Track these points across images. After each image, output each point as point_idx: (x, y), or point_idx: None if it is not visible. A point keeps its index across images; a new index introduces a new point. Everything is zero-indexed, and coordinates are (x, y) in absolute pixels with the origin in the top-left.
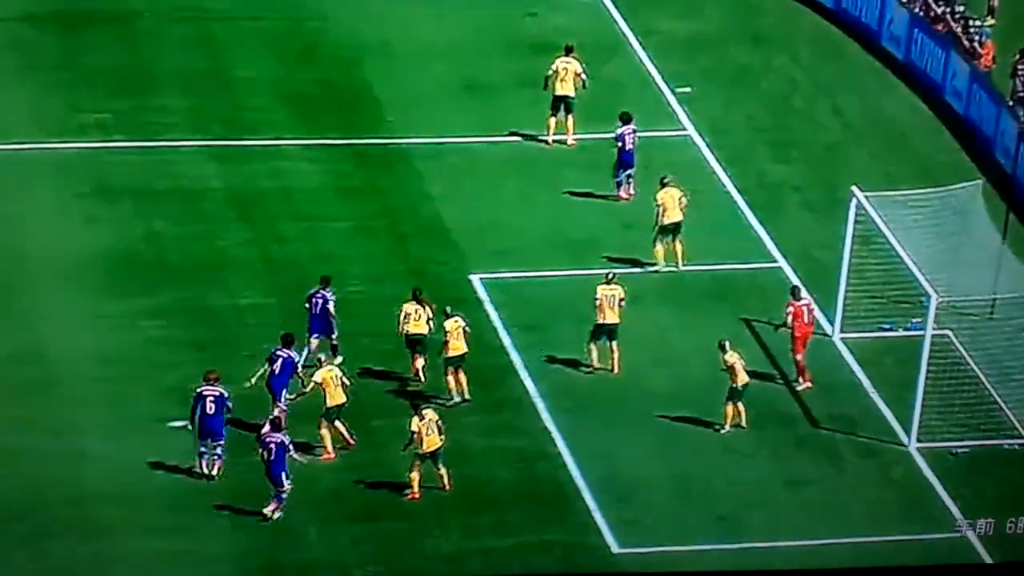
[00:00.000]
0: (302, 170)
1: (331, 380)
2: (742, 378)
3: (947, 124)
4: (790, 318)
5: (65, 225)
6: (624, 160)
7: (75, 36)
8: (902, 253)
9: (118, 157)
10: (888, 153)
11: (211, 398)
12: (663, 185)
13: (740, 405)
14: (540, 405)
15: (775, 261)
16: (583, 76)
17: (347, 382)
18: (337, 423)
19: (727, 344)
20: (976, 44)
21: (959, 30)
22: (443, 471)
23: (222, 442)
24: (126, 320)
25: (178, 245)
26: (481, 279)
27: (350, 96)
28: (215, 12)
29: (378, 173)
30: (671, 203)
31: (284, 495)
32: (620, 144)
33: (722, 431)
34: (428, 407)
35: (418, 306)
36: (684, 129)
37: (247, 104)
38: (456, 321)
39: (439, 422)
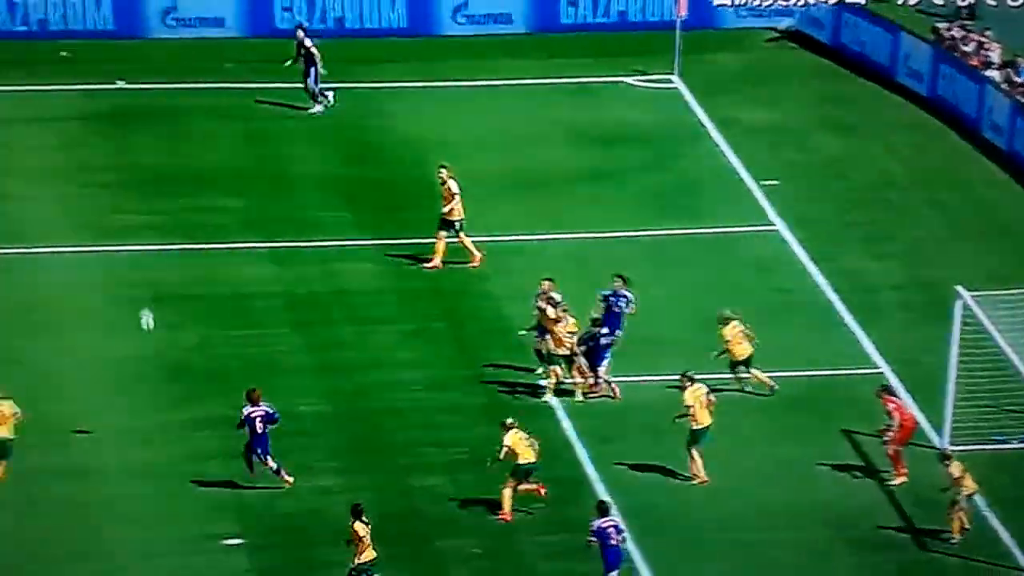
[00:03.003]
0: (361, 271)
1: (520, 441)
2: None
3: None
4: (895, 413)
5: (112, 331)
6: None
7: (125, 135)
8: (1014, 358)
9: (168, 260)
10: (993, 249)
11: (259, 418)
12: (725, 322)
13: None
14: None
15: (875, 367)
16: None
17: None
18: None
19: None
20: None
21: None
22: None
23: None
24: (175, 432)
25: (230, 351)
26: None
27: (409, 194)
28: (267, 110)
29: (438, 273)
30: (737, 338)
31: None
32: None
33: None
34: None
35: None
36: (771, 223)
37: (302, 203)
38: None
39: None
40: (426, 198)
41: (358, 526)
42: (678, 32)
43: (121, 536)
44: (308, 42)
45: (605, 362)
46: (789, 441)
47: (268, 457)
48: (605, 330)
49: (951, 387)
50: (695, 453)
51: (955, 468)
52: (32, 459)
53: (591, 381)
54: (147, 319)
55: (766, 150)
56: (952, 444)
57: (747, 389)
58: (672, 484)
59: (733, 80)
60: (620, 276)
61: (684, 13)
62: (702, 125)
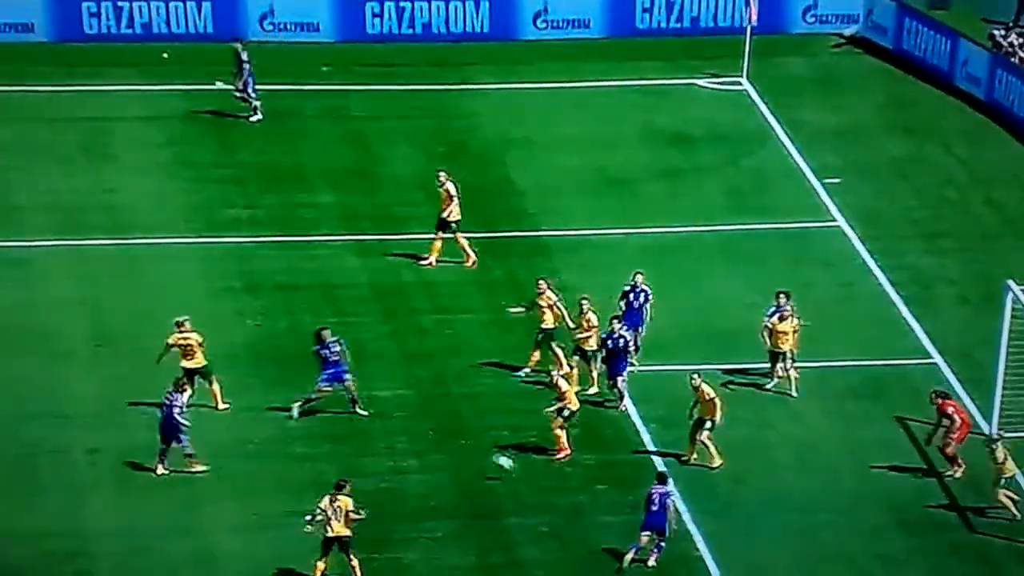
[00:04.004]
0: (443, 263)
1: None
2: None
3: None
4: (956, 415)
5: (214, 319)
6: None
7: (228, 134)
8: None
9: (267, 251)
10: None
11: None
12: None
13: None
14: (680, 507)
15: (930, 357)
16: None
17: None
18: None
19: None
20: None
21: None
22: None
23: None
24: (267, 412)
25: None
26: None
27: (492, 191)
28: (363, 111)
29: (518, 265)
30: (784, 330)
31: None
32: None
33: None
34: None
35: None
36: (834, 220)
37: (393, 200)
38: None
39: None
40: (506, 195)
41: (344, 500)
42: (748, 37)
43: (215, 511)
44: (244, 55)
45: (625, 372)
46: (847, 427)
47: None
48: (625, 330)
49: (1000, 377)
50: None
51: (1000, 452)
52: (139, 437)
53: (565, 371)
54: (507, 462)
55: (831, 150)
56: (1001, 431)
57: (768, 386)
58: (733, 469)
59: (799, 83)
60: (639, 272)
61: (755, 20)
62: (770, 126)
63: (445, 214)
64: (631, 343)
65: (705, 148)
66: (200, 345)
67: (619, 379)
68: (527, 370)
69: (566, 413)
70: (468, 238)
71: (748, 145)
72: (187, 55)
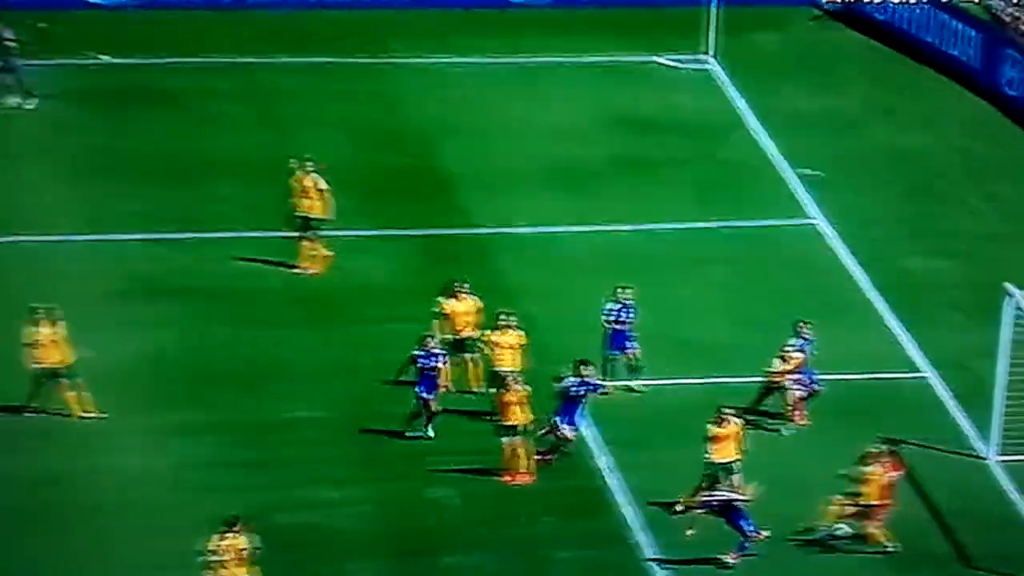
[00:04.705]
0: (371, 266)
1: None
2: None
3: None
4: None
5: (98, 328)
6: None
7: (122, 116)
8: None
9: (162, 251)
10: None
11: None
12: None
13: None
14: (642, 540)
15: (921, 372)
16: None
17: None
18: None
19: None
20: None
21: None
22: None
23: None
24: (161, 438)
25: (227, 351)
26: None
27: (425, 183)
28: (277, 93)
29: (454, 268)
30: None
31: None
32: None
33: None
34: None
35: None
36: (812, 218)
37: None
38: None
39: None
40: (442, 188)
41: (235, 540)
42: (714, 8)
43: (116, 549)
44: (8, 33)
45: (577, 424)
46: (828, 448)
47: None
48: (592, 377)
49: (1000, 394)
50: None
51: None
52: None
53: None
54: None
55: (808, 139)
56: (1000, 455)
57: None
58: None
59: (772, 62)
60: (628, 287)
61: None
62: (739, 111)
63: (305, 210)
64: (590, 392)
65: (666, 135)
66: (59, 343)
67: (567, 429)
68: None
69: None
70: (399, 235)
71: (715, 132)
72: (63, 24)
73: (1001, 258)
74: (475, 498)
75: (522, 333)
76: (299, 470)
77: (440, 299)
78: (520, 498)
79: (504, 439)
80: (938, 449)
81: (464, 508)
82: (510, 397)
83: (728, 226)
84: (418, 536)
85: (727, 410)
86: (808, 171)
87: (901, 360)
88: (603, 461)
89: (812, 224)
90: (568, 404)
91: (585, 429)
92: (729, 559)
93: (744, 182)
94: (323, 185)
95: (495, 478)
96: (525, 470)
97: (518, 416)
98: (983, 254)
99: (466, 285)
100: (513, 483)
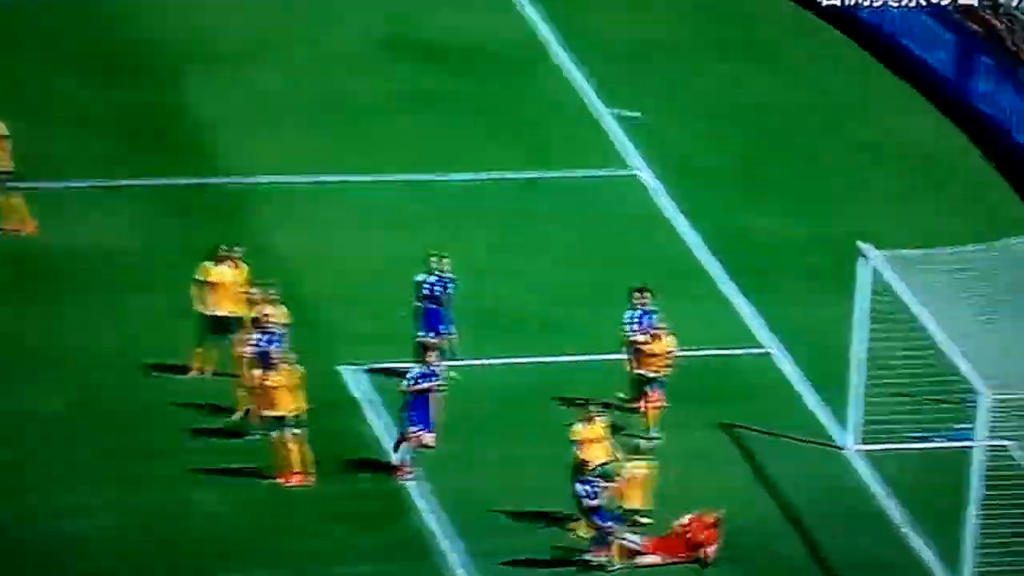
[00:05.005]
0: (105, 224)
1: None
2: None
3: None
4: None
5: None
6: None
7: None
8: (938, 335)
9: None
10: (919, 200)
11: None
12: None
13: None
14: (448, 550)
15: (765, 347)
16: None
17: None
18: None
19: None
20: None
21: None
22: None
23: None
24: None
25: None
26: (351, 370)
27: (163, 121)
28: None
29: (204, 224)
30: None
31: None
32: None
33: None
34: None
35: None
36: (634, 168)
37: (22, 134)
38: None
39: None
40: (183, 128)
41: None
42: None
43: None
44: None
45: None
46: (669, 435)
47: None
48: (438, 366)
49: (856, 373)
50: None
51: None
52: None
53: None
54: None
55: (628, 73)
56: (861, 443)
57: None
58: (511, 486)
59: None
60: (442, 255)
61: None
62: (543, 37)
63: None
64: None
65: (456, 65)
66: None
67: (426, 435)
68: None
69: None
70: (130, 186)
71: (514, 64)
72: None
73: (857, 216)
74: (247, 504)
75: (285, 310)
76: (36, 472)
77: (207, 264)
78: (301, 504)
79: (273, 433)
80: (788, 437)
81: (234, 516)
82: (278, 380)
83: (533, 176)
84: (181, 549)
85: (594, 408)
86: (626, 112)
87: (741, 334)
88: (397, 456)
89: (634, 175)
90: (417, 401)
91: (378, 420)
92: (590, 556)
93: (551, 123)
94: (3, 131)
95: (271, 480)
96: (299, 469)
97: (287, 403)
98: (837, 212)
99: (237, 249)
100: (288, 485)
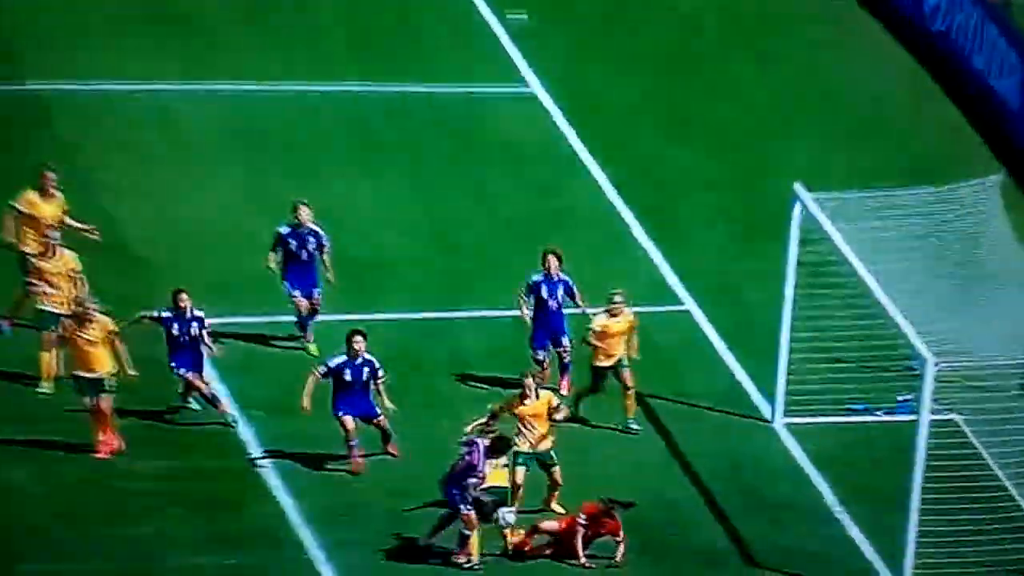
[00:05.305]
0: None
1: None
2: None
3: (950, 90)
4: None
5: None
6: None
7: None
8: (876, 289)
9: None
10: (848, 133)
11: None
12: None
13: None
14: (306, 538)
15: (678, 303)
16: None
17: None
18: None
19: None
20: None
21: None
22: None
23: None
24: None
25: None
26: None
27: None
28: None
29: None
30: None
31: None
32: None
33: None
34: None
35: None
36: (523, 84)
37: None
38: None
39: None
40: None
41: None
42: None
43: None
44: None
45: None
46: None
47: None
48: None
49: (786, 334)
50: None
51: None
52: None
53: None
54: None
55: None
56: (789, 415)
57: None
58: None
59: None
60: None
61: None
62: None
63: None
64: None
65: None
66: None
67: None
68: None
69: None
70: None
71: None
72: None
73: (784, 150)
74: (63, 485)
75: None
76: None
77: (30, 194)
78: (131, 484)
79: (86, 398)
80: (707, 409)
81: (48, 497)
82: (89, 335)
83: (402, 91)
84: None
85: (531, 379)
86: (513, 13)
87: (651, 286)
88: (251, 432)
89: (526, 93)
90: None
91: (220, 383)
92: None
93: (423, 26)
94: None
95: (94, 455)
96: (108, 436)
97: (101, 363)
98: (760, 144)
99: (52, 175)
100: (102, 457)
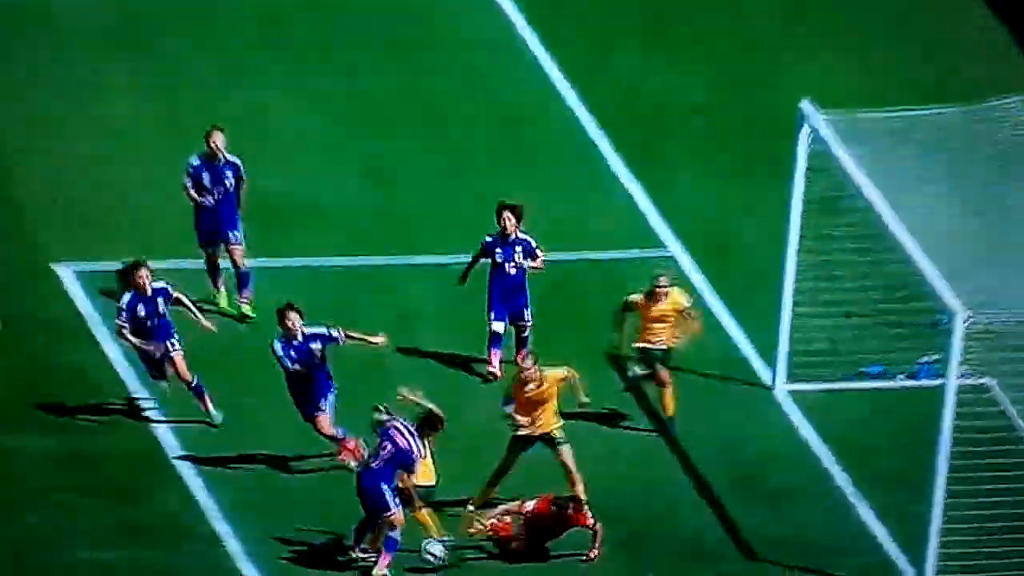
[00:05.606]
0: None
1: None
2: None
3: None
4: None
5: None
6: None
7: None
8: (897, 229)
9: None
10: (863, 44)
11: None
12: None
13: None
14: (225, 532)
15: (663, 247)
16: None
17: None
18: None
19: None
20: None
21: None
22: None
23: None
24: None
25: None
26: (74, 270)
27: None
28: None
29: None
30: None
31: None
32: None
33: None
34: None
35: None
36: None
37: None
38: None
39: None
40: None
41: None
42: None
43: None
44: None
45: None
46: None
47: None
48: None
49: (788, 285)
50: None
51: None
52: None
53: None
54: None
55: None
56: (792, 381)
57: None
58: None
59: None
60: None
61: None
62: None
63: None
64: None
65: None
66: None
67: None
68: None
69: None
70: None
71: None
72: None
73: (783, 71)
74: None
75: None
76: None
77: None
78: (22, 469)
79: None
80: (696, 373)
81: None
82: None
83: None
84: None
85: (528, 361)
86: None
87: (628, 226)
88: (158, 412)
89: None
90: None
91: (118, 355)
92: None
93: None
94: None
95: None
96: None
97: None
98: (750, 60)
99: None
100: None
